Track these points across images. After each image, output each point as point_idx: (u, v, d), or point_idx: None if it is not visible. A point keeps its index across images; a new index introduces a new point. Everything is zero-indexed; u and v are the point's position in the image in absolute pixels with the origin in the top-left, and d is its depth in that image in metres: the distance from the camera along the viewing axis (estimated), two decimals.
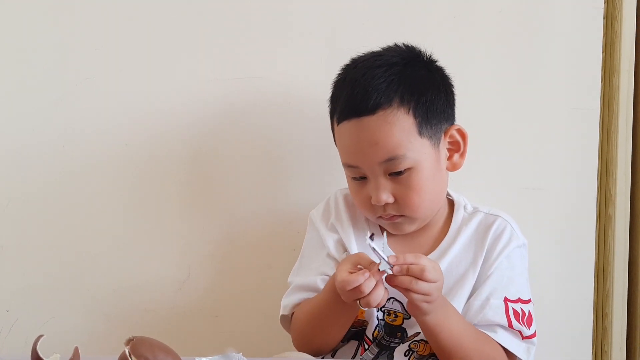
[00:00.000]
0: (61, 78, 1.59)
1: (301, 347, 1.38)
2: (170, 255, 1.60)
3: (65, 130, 1.60)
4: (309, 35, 1.58)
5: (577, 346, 1.61)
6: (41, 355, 1.00)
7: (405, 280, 1.20)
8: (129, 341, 1.01)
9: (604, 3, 1.59)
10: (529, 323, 1.34)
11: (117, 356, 1.01)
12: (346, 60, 1.39)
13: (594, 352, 1.63)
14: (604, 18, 1.59)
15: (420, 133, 1.32)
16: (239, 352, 1.05)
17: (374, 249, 1.18)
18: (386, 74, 1.33)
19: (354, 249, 1.39)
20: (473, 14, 1.58)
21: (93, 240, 1.61)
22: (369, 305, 1.20)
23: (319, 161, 1.58)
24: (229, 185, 1.60)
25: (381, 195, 1.32)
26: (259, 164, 1.60)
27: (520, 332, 1.33)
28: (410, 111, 1.31)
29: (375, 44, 1.49)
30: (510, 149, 1.60)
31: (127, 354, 0.99)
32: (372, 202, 1.33)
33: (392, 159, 1.31)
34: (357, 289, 1.19)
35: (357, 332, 1.39)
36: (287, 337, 1.51)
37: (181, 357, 1.03)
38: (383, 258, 1.19)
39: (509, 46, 1.59)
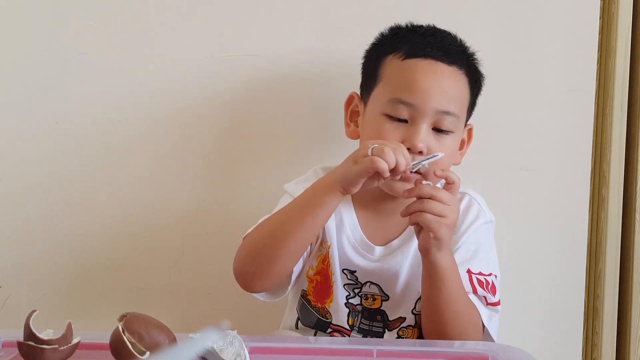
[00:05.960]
0: (54, 54, 1.58)
1: (255, 269, 1.31)
2: (165, 232, 1.60)
3: (58, 107, 1.59)
4: (303, 12, 1.57)
5: (568, 327, 1.62)
6: (34, 331, 0.99)
7: (426, 188, 1.22)
8: (122, 317, 1.01)
9: None
10: (493, 291, 1.34)
11: (111, 332, 1.01)
12: (341, 37, 1.37)
13: (584, 333, 1.64)
14: None
15: (467, 109, 1.38)
16: (234, 330, 1.05)
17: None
18: (460, 42, 1.39)
19: None
20: None
21: (86, 217, 1.60)
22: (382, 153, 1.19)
23: (313, 138, 1.58)
24: (223, 162, 1.60)
25: (421, 139, 1.29)
26: (252, 141, 1.59)
27: (485, 297, 1.32)
28: (469, 85, 1.37)
29: (370, 22, 1.48)
30: (505, 130, 1.59)
31: (121, 330, 1.00)
32: (405, 146, 1.28)
33: (447, 113, 1.31)
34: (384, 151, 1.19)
35: (318, 324, 1.40)
36: (280, 316, 1.51)
37: (174, 334, 1.03)
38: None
39: (504, 27, 1.58)
